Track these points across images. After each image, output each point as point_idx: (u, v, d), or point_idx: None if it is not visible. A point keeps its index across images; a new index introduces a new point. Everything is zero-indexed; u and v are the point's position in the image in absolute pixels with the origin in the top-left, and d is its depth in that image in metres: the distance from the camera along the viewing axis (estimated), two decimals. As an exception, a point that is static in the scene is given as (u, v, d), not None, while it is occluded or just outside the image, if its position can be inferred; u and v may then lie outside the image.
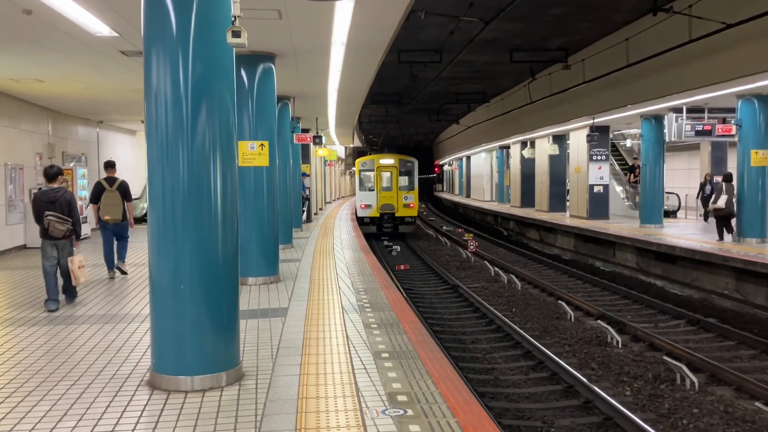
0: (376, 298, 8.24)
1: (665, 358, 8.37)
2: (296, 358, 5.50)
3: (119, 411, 4.35)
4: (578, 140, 22.77)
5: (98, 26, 7.72)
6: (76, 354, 5.76)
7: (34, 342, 6.20)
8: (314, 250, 13.75)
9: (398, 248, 20.99)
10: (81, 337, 6.37)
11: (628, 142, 25.76)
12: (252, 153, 9.43)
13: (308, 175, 22.40)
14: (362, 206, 24.90)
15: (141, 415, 4.27)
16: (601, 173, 22.12)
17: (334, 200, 42.14)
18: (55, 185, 7.84)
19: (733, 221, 14.82)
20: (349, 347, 5.84)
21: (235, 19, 4.58)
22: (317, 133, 20.60)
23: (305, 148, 21.33)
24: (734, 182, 14.72)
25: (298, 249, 13.90)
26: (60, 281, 7.94)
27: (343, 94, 14.59)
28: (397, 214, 24.86)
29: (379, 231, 24.78)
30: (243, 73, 9.50)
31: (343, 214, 26.84)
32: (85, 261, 8.22)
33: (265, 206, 9.64)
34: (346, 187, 60.94)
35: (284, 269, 10.65)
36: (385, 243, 22.36)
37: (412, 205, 24.97)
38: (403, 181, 25.17)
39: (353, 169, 57.83)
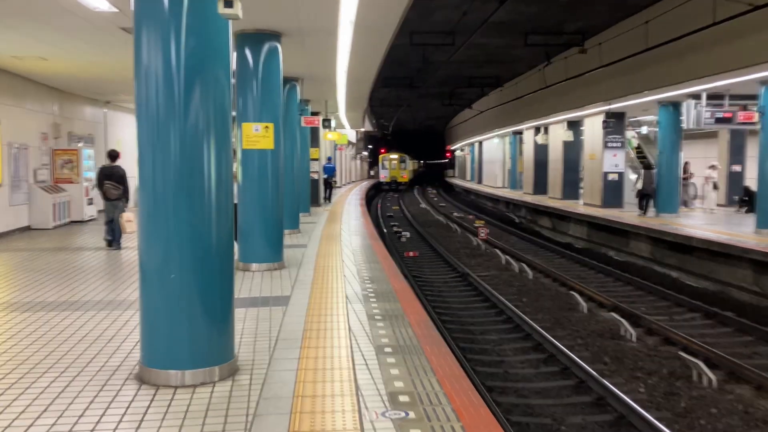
0: (381, 287, 7.96)
1: (681, 353, 8.05)
2: (295, 352, 5.23)
3: (103, 407, 4.09)
4: (593, 126, 22.31)
5: (96, 1, 7.42)
6: (66, 343, 5.52)
7: (24, 329, 5.98)
8: (321, 235, 13.49)
9: (408, 234, 20.72)
10: (73, 324, 6.14)
11: (644, 129, 25.24)
12: (256, 135, 9.12)
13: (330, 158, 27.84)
14: (382, 176, 52.94)
15: (125, 413, 4.01)
16: (616, 161, 21.66)
17: (344, 185, 41.77)
18: (114, 164, 11.20)
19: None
20: (350, 340, 5.57)
21: (228, -12, 4.26)
22: (327, 116, 20.28)
23: (314, 132, 21.01)
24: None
25: (305, 234, 13.65)
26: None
27: (352, 77, 14.25)
28: (398, 180, 52.52)
29: (389, 188, 51.38)
30: (247, 52, 9.18)
31: (352, 199, 26.56)
32: (134, 217, 10.31)
33: (269, 190, 9.33)
34: (357, 171, 60.51)
35: (289, 255, 10.39)
36: (395, 229, 22.15)
37: (404, 176, 53.42)
38: (401, 165, 53.25)
39: (365, 153, 60.62)
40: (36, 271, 9.09)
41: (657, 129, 20.07)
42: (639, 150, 25.60)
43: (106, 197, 11.14)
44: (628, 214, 19.27)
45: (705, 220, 17.34)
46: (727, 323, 9.91)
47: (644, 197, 19.02)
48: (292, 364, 4.92)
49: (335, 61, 11.91)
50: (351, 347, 5.37)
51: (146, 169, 4.58)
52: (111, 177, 11.06)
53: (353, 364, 4.91)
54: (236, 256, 9.11)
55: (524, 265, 14.64)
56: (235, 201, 8.32)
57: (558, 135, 25.64)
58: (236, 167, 9.33)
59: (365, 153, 66.74)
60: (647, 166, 18.92)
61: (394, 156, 52.84)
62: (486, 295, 11.87)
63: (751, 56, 11.66)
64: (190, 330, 4.58)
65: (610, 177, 21.72)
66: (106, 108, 18.79)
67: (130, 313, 6.56)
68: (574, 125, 24.62)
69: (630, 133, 24.77)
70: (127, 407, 4.11)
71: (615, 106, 19.34)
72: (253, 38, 9.15)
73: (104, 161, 12.35)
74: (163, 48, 4.49)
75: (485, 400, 4.88)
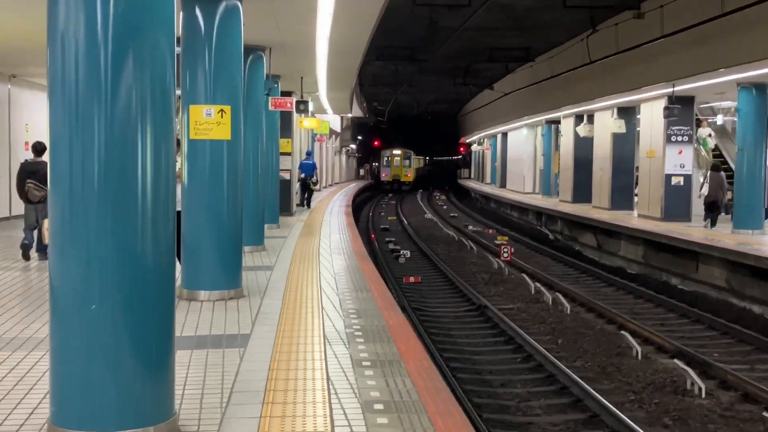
0: (371, 324, 7.98)
1: (765, 414, 8.08)
2: (254, 409, 5.22)
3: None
4: (652, 114, 22.43)
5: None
6: (-49, 394, 5.49)
7: None
8: (293, 254, 13.53)
9: (407, 254, 20.76)
10: (-38, 369, 6.12)
11: (720, 119, 25.37)
12: (208, 122, 9.15)
13: (311, 153, 29.34)
14: (383, 175, 61.68)
15: (28, 489, 4.00)
16: (681, 159, 21.78)
17: (325, 188, 41.86)
18: (39, 159, 11.54)
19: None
20: (329, 394, 5.57)
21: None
22: (302, 97, 20.34)
23: (286, 118, 21.07)
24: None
25: (272, 252, 13.69)
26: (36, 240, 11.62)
27: (336, 46, 14.33)
28: (401, 180, 60.74)
29: (391, 187, 59.44)
30: (198, 13, 9.22)
31: (335, 208, 26.62)
32: None
33: (225, 194, 9.36)
34: (343, 170, 60.63)
35: (249, 280, 10.43)
36: (391, 247, 22.20)
37: (409, 175, 61.57)
38: (405, 163, 61.40)
39: (353, 146, 61.78)
40: None
41: (735, 119, 20.17)
42: (716, 152, 25.68)
43: (27, 199, 11.53)
44: (698, 229, 19.35)
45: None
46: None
47: (711, 206, 19.45)
48: (251, 425, 4.91)
49: (314, 24, 11.99)
50: (330, 404, 5.36)
51: (61, 165, 4.57)
52: (34, 175, 11.41)
53: (332, 427, 4.90)
54: (179, 282, 9.11)
55: (560, 296, 14.69)
56: (179, 208, 8.33)
57: (606, 125, 25.77)
58: (181, 163, 9.34)
59: (353, 146, 66.95)
60: (714, 167, 19.56)
61: (397, 151, 60.84)
62: (509, 335, 11.91)
63: None
64: (116, 378, 4.56)
65: (674, 181, 21.80)
66: (10, 83, 18.81)
67: (38, 354, 6.54)
68: (627, 113, 24.75)
69: (705, 131, 24.73)
70: (31, 481, 4.09)
71: (681, 88, 19.47)
72: (206, -6, 9.21)
73: (20, 153, 12.43)
74: (85, 6, 4.49)
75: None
